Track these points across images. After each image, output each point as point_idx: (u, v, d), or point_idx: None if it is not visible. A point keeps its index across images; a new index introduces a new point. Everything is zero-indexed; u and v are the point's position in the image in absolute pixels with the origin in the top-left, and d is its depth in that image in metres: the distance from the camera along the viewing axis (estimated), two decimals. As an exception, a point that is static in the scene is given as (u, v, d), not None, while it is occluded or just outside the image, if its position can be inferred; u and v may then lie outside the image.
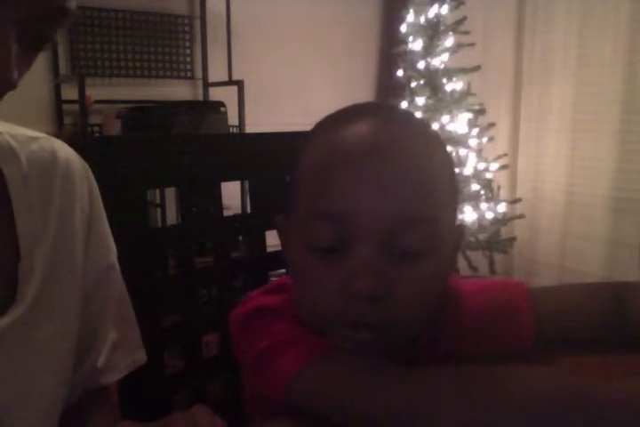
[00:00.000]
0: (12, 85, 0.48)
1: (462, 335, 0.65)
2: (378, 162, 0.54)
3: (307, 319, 0.59)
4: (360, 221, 0.53)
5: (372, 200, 0.53)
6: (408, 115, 0.64)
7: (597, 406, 0.45)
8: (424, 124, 0.64)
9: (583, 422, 0.45)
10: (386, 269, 0.53)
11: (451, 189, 0.59)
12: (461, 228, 0.64)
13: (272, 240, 0.95)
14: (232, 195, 1.25)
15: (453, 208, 0.60)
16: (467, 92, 2.94)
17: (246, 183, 0.94)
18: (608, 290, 0.69)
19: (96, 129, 2.69)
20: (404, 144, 0.56)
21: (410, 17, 3.00)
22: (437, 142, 0.61)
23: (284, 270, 0.91)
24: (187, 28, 2.98)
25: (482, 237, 2.90)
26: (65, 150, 0.66)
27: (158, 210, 2.37)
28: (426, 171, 0.56)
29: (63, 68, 2.69)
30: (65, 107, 2.71)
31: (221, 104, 2.74)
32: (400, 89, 3.07)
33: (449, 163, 0.61)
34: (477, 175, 2.91)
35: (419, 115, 2.93)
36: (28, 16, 0.48)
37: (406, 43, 3.02)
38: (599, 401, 0.46)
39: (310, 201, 0.57)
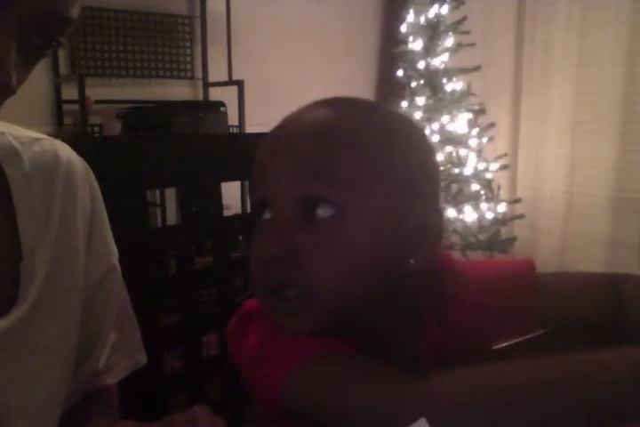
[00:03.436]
0: (10, 92, 0.48)
1: (466, 312, 0.64)
2: (291, 134, 0.59)
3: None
4: (270, 187, 0.57)
5: (278, 165, 0.57)
6: (360, 104, 0.64)
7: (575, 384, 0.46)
8: (369, 110, 0.63)
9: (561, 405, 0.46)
10: (291, 233, 0.55)
11: (377, 159, 0.58)
12: (429, 212, 0.61)
13: (272, 240, 0.95)
14: (232, 195, 1.25)
15: (388, 179, 0.58)
16: (467, 92, 2.94)
17: (246, 183, 0.94)
18: (607, 280, 0.70)
19: (96, 129, 2.69)
20: (321, 119, 0.59)
21: (410, 17, 3.00)
22: (374, 120, 0.60)
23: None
24: (187, 28, 2.98)
25: (482, 237, 2.90)
26: (67, 152, 0.66)
27: (158, 210, 2.38)
28: (336, 140, 0.57)
29: (63, 68, 2.68)
30: (65, 107, 2.71)
31: (221, 104, 2.74)
32: (400, 89, 3.07)
33: (383, 137, 0.59)
34: (477, 175, 2.92)
35: (419, 115, 2.93)
36: (29, 24, 0.47)
37: (406, 43, 3.02)
38: (574, 380, 0.46)
39: (252, 179, 0.61)
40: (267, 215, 0.58)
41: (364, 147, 0.58)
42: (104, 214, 0.69)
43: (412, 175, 0.60)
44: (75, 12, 0.51)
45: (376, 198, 0.57)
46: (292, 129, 0.60)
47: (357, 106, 0.63)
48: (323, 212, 0.55)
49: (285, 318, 0.57)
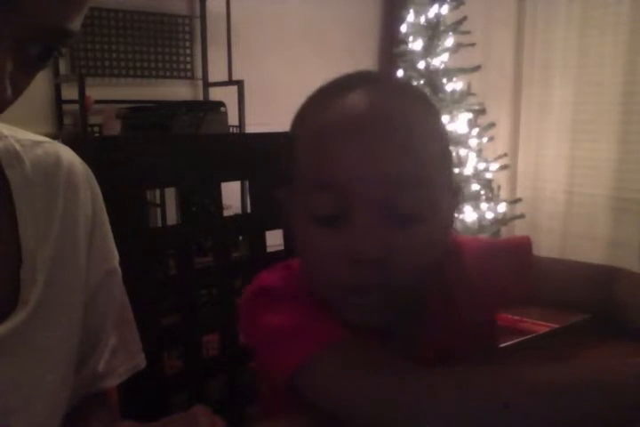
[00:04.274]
0: (6, 104, 0.48)
1: (468, 283, 0.67)
2: (370, 131, 0.56)
3: (315, 290, 0.61)
4: (358, 189, 0.55)
5: (367, 168, 0.55)
6: (398, 83, 0.66)
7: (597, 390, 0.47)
8: (414, 91, 0.66)
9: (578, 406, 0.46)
10: (386, 232, 0.55)
11: (442, 152, 0.61)
12: (457, 189, 0.66)
13: (272, 240, 0.95)
14: (232, 195, 1.25)
15: (447, 170, 0.62)
16: (467, 92, 2.94)
17: (246, 183, 0.94)
18: (603, 272, 0.72)
19: (96, 129, 2.69)
20: (394, 112, 0.58)
21: (410, 17, 3.00)
22: (427, 107, 0.63)
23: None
24: (187, 28, 2.98)
25: (482, 237, 2.90)
26: (69, 155, 0.66)
27: (158, 210, 2.38)
28: (417, 136, 0.58)
29: (63, 68, 2.68)
30: (65, 107, 2.71)
31: (221, 104, 2.74)
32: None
33: (439, 126, 0.63)
34: (477, 175, 2.91)
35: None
36: (27, 36, 0.47)
37: (406, 43, 3.02)
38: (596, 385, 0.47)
39: (309, 173, 0.59)
40: (328, 211, 0.57)
41: (437, 151, 0.60)
42: (105, 218, 0.68)
43: (452, 172, 0.65)
44: (76, 25, 0.50)
45: (443, 200, 0.60)
46: (363, 125, 0.57)
47: (418, 98, 0.64)
48: (411, 211, 0.56)
49: (363, 313, 0.59)
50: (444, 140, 0.62)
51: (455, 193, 0.65)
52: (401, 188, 0.56)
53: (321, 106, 0.61)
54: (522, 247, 0.72)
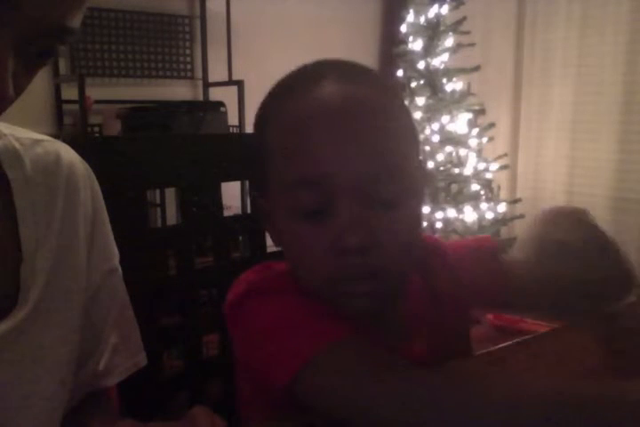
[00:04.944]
0: (8, 102, 0.48)
1: (449, 277, 0.69)
2: (348, 123, 0.57)
3: (305, 285, 0.61)
4: (340, 181, 0.56)
5: (347, 160, 0.56)
6: (365, 71, 0.66)
7: (585, 406, 0.46)
8: (381, 79, 0.68)
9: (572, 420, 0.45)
10: (369, 221, 0.56)
11: (412, 137, 0.63)
12: (426, 172, 0.69)
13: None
14: (232, 195, 1.25)
15: (417, 155, 0.64)
16: (467, 92, 2.94)
17: (246, 183, 0.94)
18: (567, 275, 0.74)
19: (96, 129, 2.69)
20: (368, 103, 0.59)
21: (410, 17, 3.00)
22: (395, 95, 0.66)
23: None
24: (187, 28, 2.98)
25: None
26: (69, 153, 0.66)
27: (158, 210, 2.38)
28: (392, 126, 0.59)
29: (63, 68, 2.68)
30: (65, 107, 2.71)
31: (221, 104, 2.74)
32: (400, 89, 3.07)
33: (407, 113, 0.64)
34: (477, 175, 2.91)
35: (418, 115, 2.93)
36: (27, 34, 0.47)
37: (406, 43, 3.02)
38: (586, 401, 0.46)
39: (288, 169, 0.59)
40: (312, 205, 0.57)
41: (410, 138, 0.62)
42: (105, 216, 0.68)
43: (420, 153, 0.67)
44: (76, 22, 0.49)
45: (417, 184, 0.62)
46: (343, 116, 0.57)
47: (385, 87, 0.65)
48: (391, 199, 0.58)
49: (354, 302, 0.59)
50: (411, 125, 0.64)
51: (425, 175, 0.67)
52: (381, 179, 0.57)
53: (290, 101, 0.60)
54: (486, 248, 0.76)
